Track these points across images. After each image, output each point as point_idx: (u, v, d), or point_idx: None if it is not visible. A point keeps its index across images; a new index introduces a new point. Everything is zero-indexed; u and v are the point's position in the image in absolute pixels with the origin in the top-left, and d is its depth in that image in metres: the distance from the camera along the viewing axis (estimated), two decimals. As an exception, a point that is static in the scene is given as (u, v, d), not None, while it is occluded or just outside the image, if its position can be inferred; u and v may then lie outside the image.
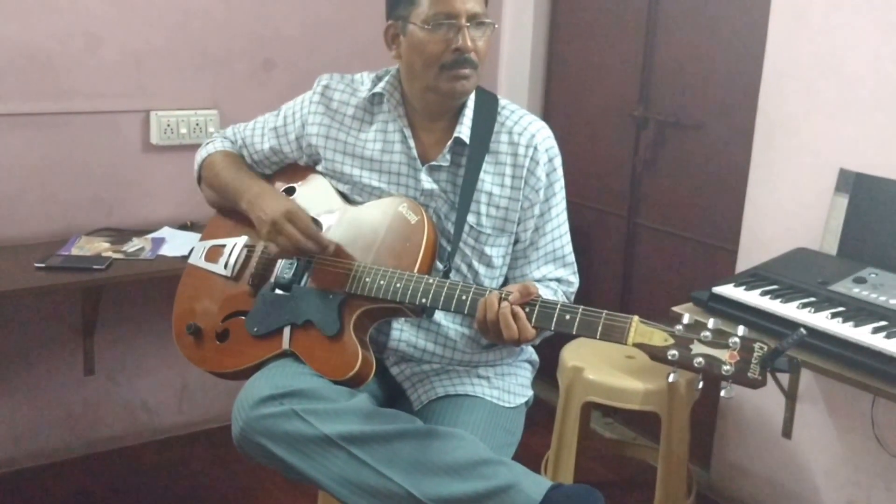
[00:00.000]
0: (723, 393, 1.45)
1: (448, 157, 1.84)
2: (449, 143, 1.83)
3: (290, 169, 2.04)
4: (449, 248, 1.83)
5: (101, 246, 2.63)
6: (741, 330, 1.46)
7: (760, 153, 2.63)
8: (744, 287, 2.23)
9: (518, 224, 1.87)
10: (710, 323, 1.47)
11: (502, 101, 1.91)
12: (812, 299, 2.14)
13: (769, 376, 1.44)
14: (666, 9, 2.96)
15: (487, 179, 1.84)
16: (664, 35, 2.97)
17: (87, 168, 2.77)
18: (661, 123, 2.98)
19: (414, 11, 1.77)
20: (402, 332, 1.85)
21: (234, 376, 1.89)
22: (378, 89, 1.88)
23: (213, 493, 2.79)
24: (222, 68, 2.92)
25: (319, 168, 1.96)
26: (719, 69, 2.80)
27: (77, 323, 2.81)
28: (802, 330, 1.42)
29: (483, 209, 1.84)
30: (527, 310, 1.58)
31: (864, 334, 1.97)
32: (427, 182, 1.84)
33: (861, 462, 2.47)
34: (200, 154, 2.09)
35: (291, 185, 2.02)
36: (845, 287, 2.18)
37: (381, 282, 1.72)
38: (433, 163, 1.85)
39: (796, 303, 2.12)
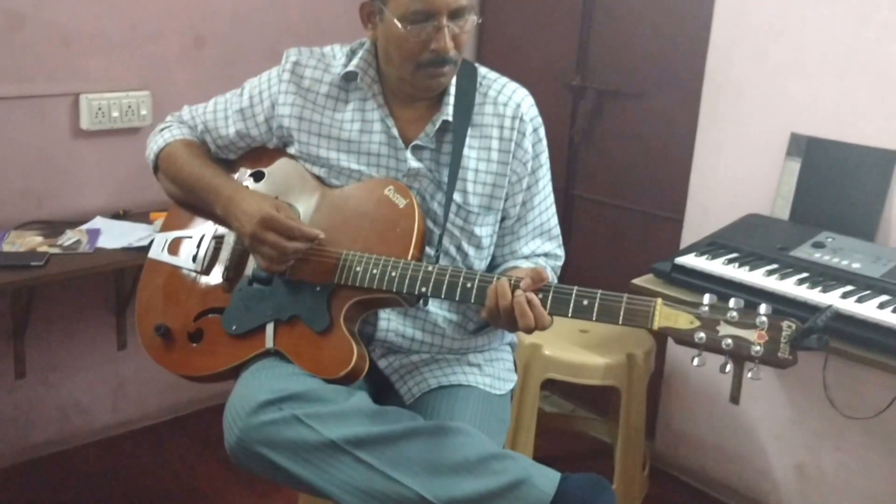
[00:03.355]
0: (749, 375, 1.41)
1: (432, 136, 1.73)
2: (436, 123, 1.72)
3: (257, 151, 1.89)
4: (438, 231, 1.72)
5: (34, 240, 2.43)
6: (764, 308, 1.42)
7: (708, 120, 2.62)
8: (706, 256, 2.22)
9: (506, 200, 1.78)
10: (732, 302, 1.43)
11: (481, 70, 1.81)
12: (775, 266, 2.16)
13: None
14: (603, -26, 2.91)
15: (472, 155, 1.74)
16: (601, 3, 2.92)
17: (13, 157, 2.56)
18: (601, 93, 2.94)
19: (392, 0, 1.63)
20: (390, 322, 1.74)
21: (212, 379, 1.75)
22: (352, 67, 1.75)
23: (157, 493, 2.66)
24: (153, 47, 2.74)
25: (292, 150, 1.82)
26: (663, 37, 2.78)
27: (6, 324, 2.61)
28: (834, 307, 1.39)
29: (469, 187, 1.74)
30: (540, 296, 1.49)
31: (834, 299, 1.99)
32: (413, 161, 1.73)
33: (811, 424, 2.52)
34: (156, 142, 1.90)
35: (259, 168, 1.86)
36: (806, 252, 2.20)
37: (374, 271, 1.60)
38: (416, 142, 1.74)
39: (762, 270, 2.13)
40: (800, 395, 2.53)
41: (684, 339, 1.42)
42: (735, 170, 2.58)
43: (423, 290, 1.57)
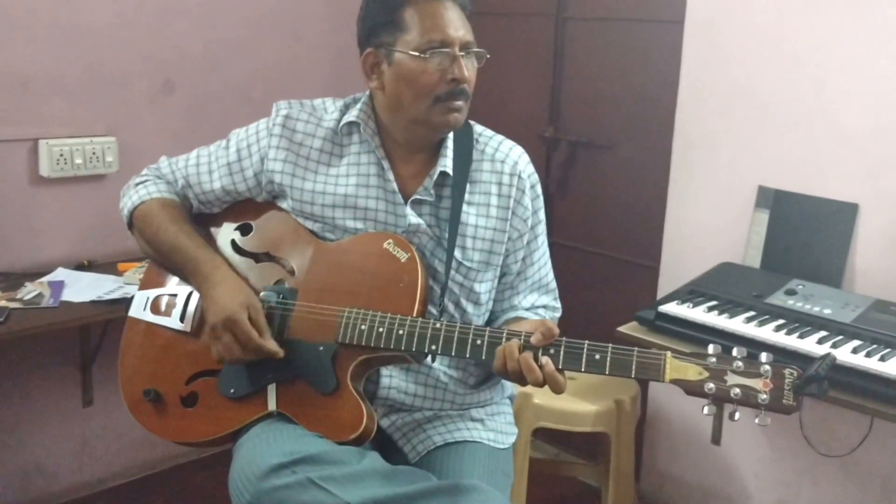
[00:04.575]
0: (757, 420, 1.47)
1: (431, 191, 1.74)
2: (433, 176, 1.73)
3: (242, 203, 1.84)
4: (437, 288, 1.74)
5: (-9, 294, 2.34)
6: (765, 357, 1.48)
7: (679, 172, 2.72)
8: (688, 304, 2.29)
9: (506, 256, 1.80)
10: (736, 351, 1.49)
11: (477, 128, 1.84)
12: (753, 313, 2.23)
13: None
14: (573, 33, 3.01)
15: (472, 211, 1.76)
16: (572, 57, 3.02)
17: (-33, 206, 2.48)
18: (573, 144, 3.03)
19: (401, 38, 1.65)
20: (392, 379, 1.75)
21: (209, 444, 1.72)
22: (352, 118, 1.75)
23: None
24: (118, 90, 2.68)
25: (283, 205, 1.79)
26: (632, 92, 2.88)
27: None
28: (833, 355, 1.46)
29: (469, 243, 1.76)
30: (552, 351, 1.53)
31: (811, 345, 2.07)
32: (413, 216, 1.73)
33: (789, 462, 2.59)
34: (131, 198, 1.85)
35: (246, 221, 1.82)
36: (780, 299, 2.28)
37: (380, 329, 1.61)
38: (416, 197, 1.74)
39: (741, 317, 2.21)
40: (778, 435, 2.60)
41: (695, 390, 1.47)
42: (707, 220, 2.67)
43: (433, 347, 1.58)
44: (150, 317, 1.81)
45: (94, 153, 2.63)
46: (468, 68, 1.66)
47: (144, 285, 1.87)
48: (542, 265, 1.88)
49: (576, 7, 3.00)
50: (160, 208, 1.81)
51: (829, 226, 2.43)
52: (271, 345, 1.64)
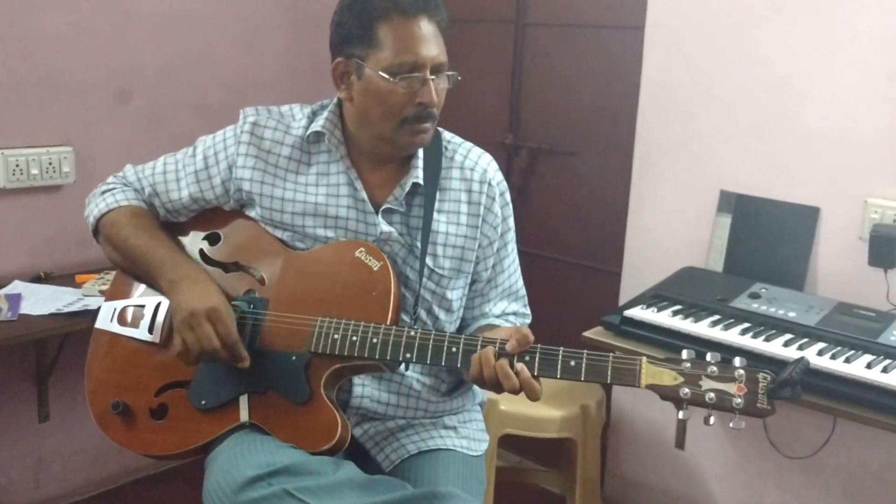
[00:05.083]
0: (731, 424, 1.47)
1: (402, 201, 1.73)
2: (405, 187, 1.72)
3: (209, 212, 1.82)
4: (411, 297, 1.73)
5: (-55, 309, 2.29)
6: (739, 361, 1.49)
7: (640, 178, 2.74)
8: (653, 308, 2.31)
9: (477, 263, 1.80)
10: (709, 356, 1.49)
11: (445, 135, 1.83)
12: (718, 316, 2.25)
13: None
14: (533, 39, 3.02)
15: (442, 219, 1.75)
16: (532, 64, 3.03)
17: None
18: (534, 151, 3.03)
19: (373, 55, 1.63)
20: (365, 388, 1.73)
21: (180, 457, 1.69)
22: (318, 128, 1.73)
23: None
24: (74, 100, 2.64)
25: (252, 214, 1.77)
26: (592, 99, 2.90)
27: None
28: (806, 359, 1.48)
29: (440, 250, 1.75)
30: (527, 358, 1.52)
31: (778, 348, 2.10)
32: (384, 225, 1.72)
33: (754, 465, 2.62)
34: (98, 206, 1.82)
35: (214, 231, 1.80)
36: (744, 303, 2.31)
37: (354, 338, 1.59)
38: (387, 206, 1.73)
39: (706, 321, 2.23)
40: (742, 438, 2.63)
41: (670, 395, 1.47)
42: (669, 225, 2.69)
43: (408, 356, 1.57)
44: (116, 328, 1.78)
45: (50, 163, 2.59)
46: (438, 91, 1.65)
47: (111, 296, 1.84)
48: (513, 272, 1.88)
49: (536, 13, 3.02)
50: (130, 216, 1.79)
51: (791, 229, 2.46)
52: (245, 353, 1.62)
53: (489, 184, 1.79)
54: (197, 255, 1.79)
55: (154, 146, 1.86)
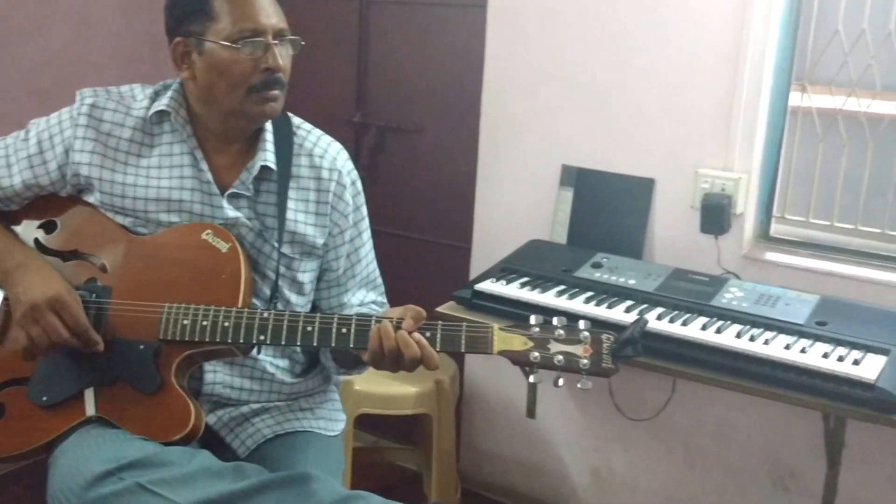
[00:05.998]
0: (579, 385, 1.53)
1: (250, 185, 1.70)
2: (252, 170, 1.69)
3: (43, 199, 1.74)
4: (261, 281, 1.70)
5: None
6: (583, 324, 1.55)
7: (486, 154, 2.78)
8: (502, 282, 2.36)
9: (328, 251, 1.78)
10: (556, 321, 1.54)
11: (295, 120, 1.81)
12: (563, 287, 2.33)
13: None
14: (378, 16, 3.00)
15: (291, 205, 1.73)
16: (378, 41, 3.02)
17: None
18: (382, 129, 3.03)
19: (212, 27, 1.59)
20: (217, 374, 1.69)
21: (21, 458, 1.61)
22: (162, 107, 1.67)
23: None
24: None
25: (91, 199, 1.70)
26: (438, 75, 2.91)
27: None
28: (644, 318, 1.56)
29: (287, 236, 1.73)
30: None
31: (619, 314, 2.19)
32: (230, 210, 1.69)
33: (601, 430, 2.74)
34: None
35: (50, 218, 1.71)
36: (587, 273, 2.39)
37: (204, 322, 1.56)
38: (233, 190, 1.69)
39: (552, 291, 2.30)
40: (589, 404, 2.73)
41: (521, 359, 1.51)
42: (515, 199, 2.76)
43: (262, 338, 1.55)
44: None
45: None
46: (282, 57, 1.63)
47: None
48: (370, 261, 1.88)
49: (380, -9, 3.00)
50: None
51: (629, 201, 2.57)
52: (96, 334, 1.56)
53: (339, 172, 1.78)
54: (32, 245, 1.70)
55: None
